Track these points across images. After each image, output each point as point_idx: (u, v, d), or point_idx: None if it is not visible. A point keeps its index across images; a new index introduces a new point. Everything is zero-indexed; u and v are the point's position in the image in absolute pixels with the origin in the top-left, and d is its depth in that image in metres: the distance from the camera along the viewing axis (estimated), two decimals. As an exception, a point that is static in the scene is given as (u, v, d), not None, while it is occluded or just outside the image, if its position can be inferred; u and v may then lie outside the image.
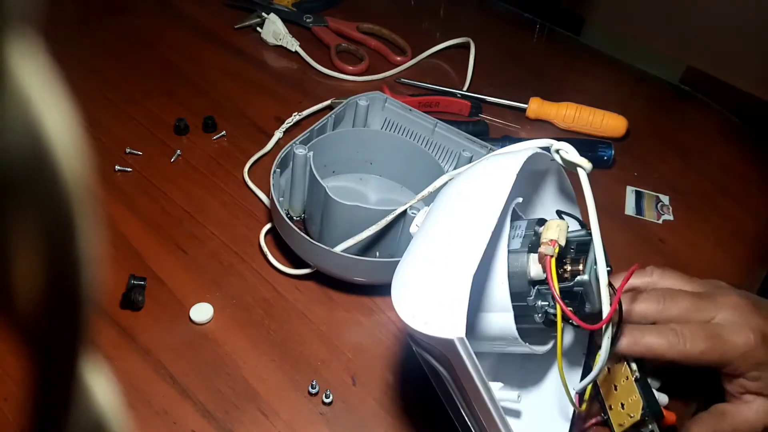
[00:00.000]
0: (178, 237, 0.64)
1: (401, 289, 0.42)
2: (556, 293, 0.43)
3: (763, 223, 0.74)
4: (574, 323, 0.45)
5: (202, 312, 0.57)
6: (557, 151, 0.47)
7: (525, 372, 0.54)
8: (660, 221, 0.73)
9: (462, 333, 0.36)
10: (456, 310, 0.37)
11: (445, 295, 0.38)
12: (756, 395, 0.50)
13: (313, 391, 0.53)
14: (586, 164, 0.46)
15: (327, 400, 0.53)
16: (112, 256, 0.61)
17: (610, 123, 0.81)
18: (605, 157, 0.77)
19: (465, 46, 0.91)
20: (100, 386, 0.15)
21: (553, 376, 0.54)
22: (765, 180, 0.80)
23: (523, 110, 0.83)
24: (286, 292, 0.61)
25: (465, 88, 0.85)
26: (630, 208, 0.74)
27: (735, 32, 0.95)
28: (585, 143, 0.80)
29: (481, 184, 0.44)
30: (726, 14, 0.96)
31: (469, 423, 0.44)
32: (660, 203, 0.75)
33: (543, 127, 0.83)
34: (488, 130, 0.79)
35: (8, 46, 0.10)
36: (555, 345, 0.47)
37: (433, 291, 0.39)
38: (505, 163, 0.44)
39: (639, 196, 0.75)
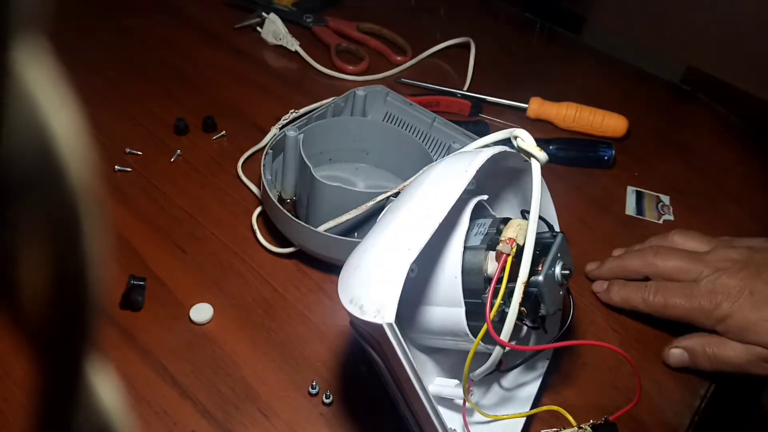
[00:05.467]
0: (178, 237, 0.64)
1: (346, 275, 0.43)
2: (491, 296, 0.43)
3: (763, 223, 0.74)
4: (529, 324, 0.46)
5: (202, 312, 0.57)
6: (515, 138, 0.47)
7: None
8: (661, 221, 0.73)
9: (391, 318, 0.37)
10: (389, 296, 0.38)
11: (382, 282, 0.39)
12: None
13: (313, 391, 0.53)
14: (541, 155, 0.45)
15: (327, 400, 0.53)
16: (111, 256, 0.61)
17: (611, 123, 0.81)
18: (605, 157, 0.77)
19: (465, 46, 0.91)
20: (105, 388, 0.15)
21: (513, 375, 0.54)
22: (765, 180, 0.80)
23: (524, 110, 0.83)
24: (286, 292, 0.61)
25: (465, 88, 0.85)
26: (630, 209, 0.74)
27: (735, 32, 0.95)
28: (585, 143, 0.80)
29: (440, 180, 0.45)
30: (726, 14, 0.96)
31: (406, 416, 0.44)
32: (660, 203, 0.75)
33: (543, 127, 0.83)
34: (489, 130, 0.79)
35: (15, 48, 0.10)
36: (516, 344, 0.47)
37: (371, 278, 0.40)
38: (465, 161, 0.44)
39: (639, 196, 0.75)
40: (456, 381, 0.48)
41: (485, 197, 0.48)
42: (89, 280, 0.13)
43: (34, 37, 0.11)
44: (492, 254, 0.45)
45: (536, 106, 0.83)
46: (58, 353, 0.13)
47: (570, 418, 0.47)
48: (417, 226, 0.41)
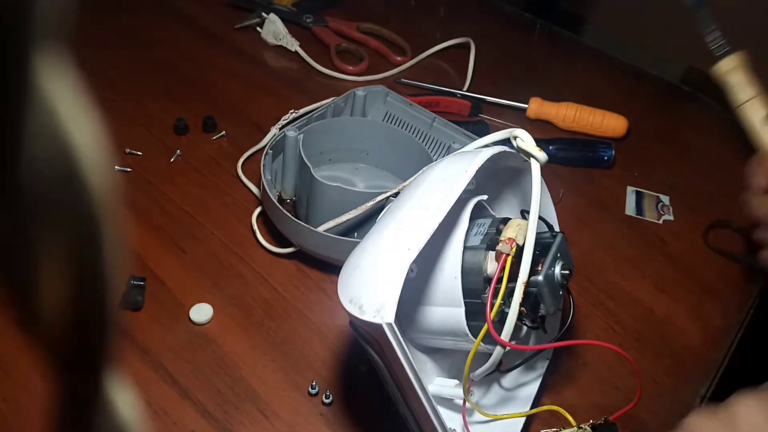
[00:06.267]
0: (178, 237, 0.64)
1: (346, 275, 0.43)
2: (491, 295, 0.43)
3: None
4: (528, 324, 0.46)
5: (202, 312, 0.57)
6: (515, 138, 0.47)
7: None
8: (660, 221, 0.73)
9: (391, 318, 0.38)
10: (388, 296, 0.38)
11: (381, 282, 0.39)
12: None
13: (313, 391, 0.53)
14: (540, 155, 0.45)
15: (327, 401, 0.53)
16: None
17: (610, 123, 0.81)
18: (605, 157, 0.77)
19: (465, 46, 0.91)
20: (124, 400, 0.15)
21: (513, 375, 0.54)
22: (765, 180, 0.80)
23: (524, 110, 0.83)
24: (286, 292, 0.61)
25: (465, 88, 0.85)
26: (630, 209, 0.74)
27: (735, 32, 0.95)
28: (585, 143, 0.80)
29: (439, 180, 0.45)
30: (726, 14, 0.96)
31: (406, 415, 0.44)
32: (660, 203, 0.75)
33: (543, 127, 0.83)
34: (489, 130, 0.79)
35: (37, 58, 0.10)
36: (517, 344, 0.47)
37: (371, 278, 0.41)
38: (465, 161, 0.44)
39: (639, 196, 0.75)
40: (456, 381, 0.48)
41: (485, 197, 0.48)
42: (108, 291, 0.13)
43: (56, 46, 0.11)
44: (492, 254, 0.45)
45: (536, 106, 0.83)
46: (81, 367, 0.13)
47: (570, 418, 0.47)
48: (417, 226, 0.41)
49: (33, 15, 0.10)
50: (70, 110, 0.11)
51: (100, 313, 0.13)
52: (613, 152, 0.77)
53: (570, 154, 0.77)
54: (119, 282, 0.13)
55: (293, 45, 0.88)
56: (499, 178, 0.52)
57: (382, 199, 0.58)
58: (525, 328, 0.49)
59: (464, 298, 0.45)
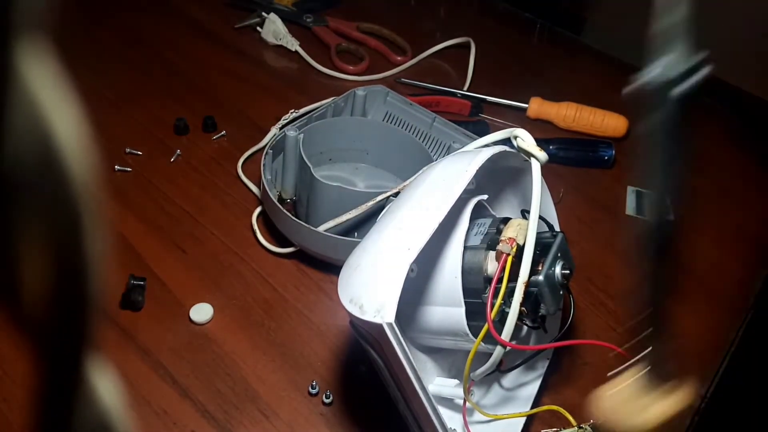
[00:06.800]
0: (178, 237, 0.64)
1: (346, 275, 0.43)
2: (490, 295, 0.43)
3: (763, 223, 0.74)
4: (529, 324, 0.46)
5: (202, 312, 0.57)
6: (515, 138, 0.47)
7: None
8: (660, 221, 0.72)
9: (391, 318, 0.38)
10: (389, 295, 0.38)
11: (381, 281, 0.39)
12: None
13: (313, 391, 0.53)
14: (541, 155, 0.45)
15: (327, 400, 0.52)
16: (111, 256, 0.61)
17: (611, 123, 0.81)
18: (606, 157, 0.77)
19: (465, 46, 0.91)
20: (104, 385, 0.15)
21: (514, 375, 0.54)
22: (765, 180, 0.80)
23: (524, 110, 0.83)
24: (286, 292, 0.61)
25: (465, 88, 0.85)
26: (630, 208, 0.74)
27: (736, 32, 0.95)
28: (585, 143, 0.79)
29: (439, 180, 0.45)
30: (727, 14, 0.96)
31: (406, 415, 0.44)
32: (660, 203, 0.74)
33: (544, 127, 0.83)
34: (489, 130, 0.79)
35: (19, 48, 0.10)
36: (517, 344, 0.47)
37: (371, 277, 0.41)
38: (465, 161, 0.44)
39: (639, 196, 0.75)
40: (456, 381, 0.48)
41: (485, 197, 0.48)
42: (90, 279, 0.13)
43: (38, 37, 0.11)
44: (492, 254, 0.45)
45: (536, 106, 0.83)
46: (62, 352, 0.13)
47: (570, 417, 0.47)
48: (417, 226, 0.41)
49: (16, 5, 0.10)
50: (51, 99, 0.11)
51: (81, 299, 0.13)
52: (614, 152, 0.77)
53: (570, 153, 0.77)
54: (105, 269, 0.13)
55: (293, 45, 0.88)
56: (499, 177, 0.52)
57: (382, 199, 0.58)
58: (525, 327, 0.49)
59: (464, 297, 0.45)
